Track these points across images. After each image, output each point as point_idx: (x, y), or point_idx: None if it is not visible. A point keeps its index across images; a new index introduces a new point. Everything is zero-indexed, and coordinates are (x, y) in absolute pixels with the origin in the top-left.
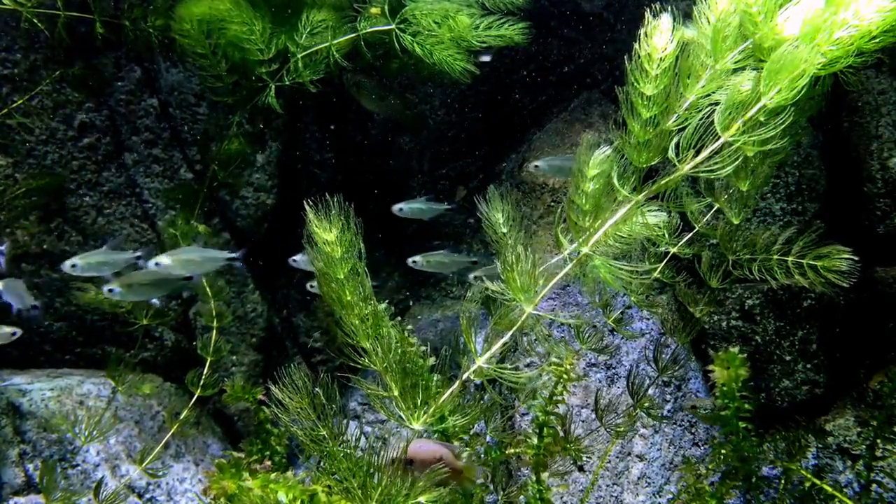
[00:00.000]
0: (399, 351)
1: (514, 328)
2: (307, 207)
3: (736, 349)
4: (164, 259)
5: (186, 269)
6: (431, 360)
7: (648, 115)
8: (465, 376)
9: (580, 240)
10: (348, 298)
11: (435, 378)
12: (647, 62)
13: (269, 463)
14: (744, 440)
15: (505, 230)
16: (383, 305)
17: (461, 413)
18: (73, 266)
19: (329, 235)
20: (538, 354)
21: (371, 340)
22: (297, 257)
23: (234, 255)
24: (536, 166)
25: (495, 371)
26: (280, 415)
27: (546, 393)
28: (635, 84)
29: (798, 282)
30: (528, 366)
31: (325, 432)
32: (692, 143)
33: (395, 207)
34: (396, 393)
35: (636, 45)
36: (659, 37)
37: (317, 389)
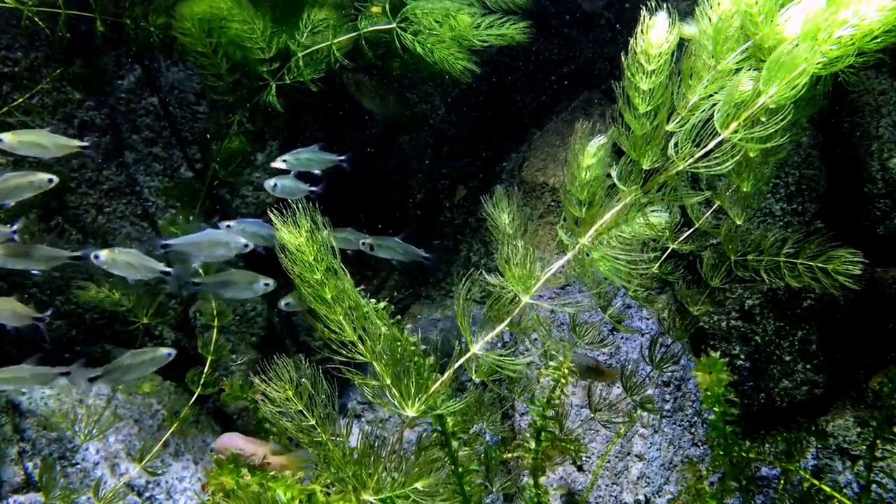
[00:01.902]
0: (389, 340)
1: (510, 317)
2: (271, 216)
3: (718, 354)
4: (103, 255)
5: (124, 271)
6: (431, 360)
7: (645, 109)
8: (459, 362)
9: (577, 231)
10: (329, 297)
11: (429, 366)
12: (643, 57)
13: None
14: (732, 444)
15: (511, 231)
16: (382, 304)
17: (456, 399)
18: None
19: (299, 240)
20: (537, 350)
21: (359, 332)
22: (231, 223)
23: (167, 269)
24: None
25: (491, 359)
26: (266, 405)
27: (544, 396)
28: (632, 78)
29: (809, 284)
30: (527, 365)
31: (313, 421)
32: (691, 138)
33: (279, 159)
34: (388, 381)
35: (632, 41)
36: (656, 32)
37: (303, 380)
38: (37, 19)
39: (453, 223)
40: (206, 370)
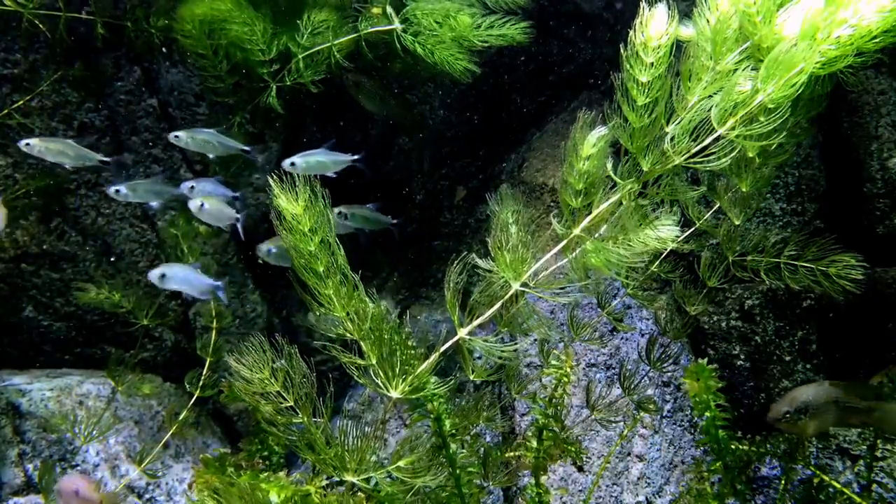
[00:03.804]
0: (377, 320)
1: (499, 303)
2: (271, 181)
3: (705, 360)
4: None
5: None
6: (408, 333)
7: (643, 101)
8: (445, 346)
9: (572, 221)
10: (321, 270)
11: (411, 342)
12: (642, 49)
13: (259, 462)
14: (724, 448)
15: (514, 230)
16: (384, 303)
17: (441, 382)
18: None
19: (296, 208)
20: (531, 343)
21: (347, 309)
22: (191, 183)
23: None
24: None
25: (478, 343)
26: (241, 387)
27: (545, 395)
28: (630, 71)
29: (809, 286)
30: (527, 366)
31: (291, 402)
32: (688, 133)
33: (172, 134)
34: (374, 361)
35: (631, 33)
36: (655, 24)
37: (281, 362)
38: (37, 21)
39: (453, 224)
40: (205, 372)
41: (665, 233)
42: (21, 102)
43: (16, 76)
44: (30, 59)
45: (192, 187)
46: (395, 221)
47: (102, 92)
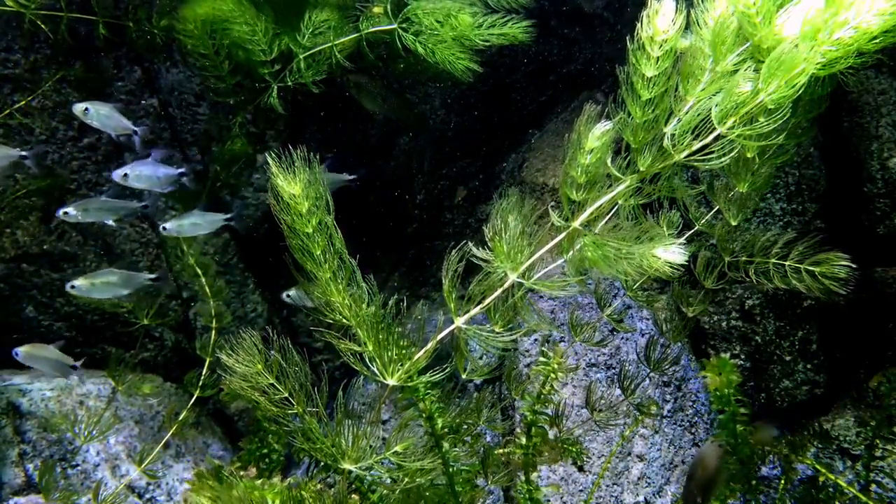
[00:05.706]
0: (373, 307)
1: (498, 291)
2: (269, 159)
3: (727, 355)
4: (71, 209)
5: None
6: (426, 349)
7: (648, 96)
8: (441, 335)
9: (571, 215)
10: (318, 253)
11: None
12: (648, 43)
13: (253, 470)
14: (742, 444)
15: (512, 220)
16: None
17: (437, 371)
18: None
19: (294, 188)
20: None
21: (344, 296)
22: (126, 169)
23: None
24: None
25: (473, 332)
26: (235, 382)
27: (536, 391)
28: (636, 65)
29: (795, 287)
30: (527, 365)
31: (285, 393)
32: (689, 131)
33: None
34: (371, 348)
35: (638, 26)
36: (662, 19)
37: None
38: (38, 22)
39: (453, 224)
40: (204, 372)
41: (674, 256)
42: (23, 103)
43: (17, 76)
44: (31, 60)
45: (126, 174)
46: (352, 177)
47: (103, 92)
